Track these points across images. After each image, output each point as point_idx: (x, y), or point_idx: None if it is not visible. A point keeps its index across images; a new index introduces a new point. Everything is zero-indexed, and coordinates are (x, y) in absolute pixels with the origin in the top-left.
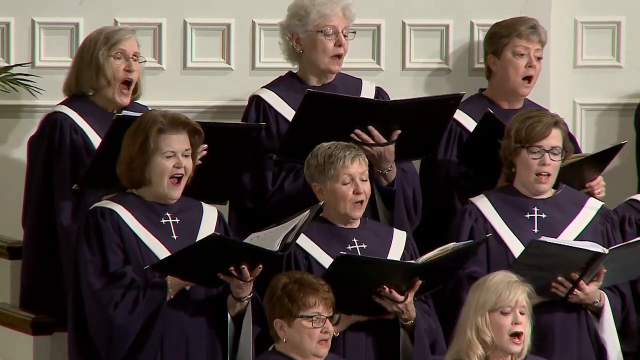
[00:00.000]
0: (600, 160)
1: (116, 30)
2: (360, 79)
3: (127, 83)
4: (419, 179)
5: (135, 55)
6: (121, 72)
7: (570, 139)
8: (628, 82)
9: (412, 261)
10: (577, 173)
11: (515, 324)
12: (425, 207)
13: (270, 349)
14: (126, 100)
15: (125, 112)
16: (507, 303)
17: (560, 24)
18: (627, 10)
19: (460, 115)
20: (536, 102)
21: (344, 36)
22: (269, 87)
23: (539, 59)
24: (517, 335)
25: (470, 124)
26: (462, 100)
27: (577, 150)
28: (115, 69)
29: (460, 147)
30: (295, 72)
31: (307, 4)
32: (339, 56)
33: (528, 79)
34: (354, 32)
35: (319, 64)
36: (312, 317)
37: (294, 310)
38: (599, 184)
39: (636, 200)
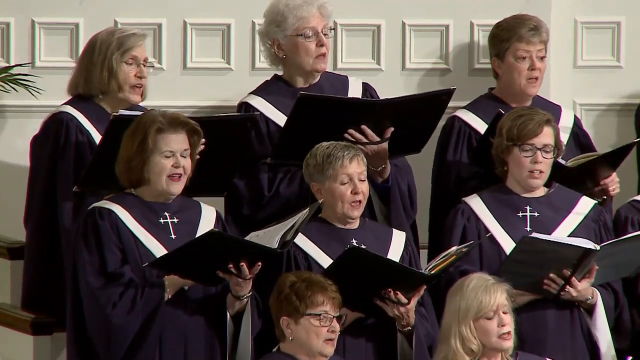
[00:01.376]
0: (612, 159)
1: (129, 35)
2: (347, 77)
3: (137, 87)
4: (431, 180)
5: (145, 61)
6: (132, 77)
7: (584, 136)
8: (628, 82)
9: (424, 271)
10: (590, 172)
11: (502, 325)
12: (436, 207)
13: (274, 349)
14: (138, 99)
15: (121, 112)
16: (489, 308)
17: (560, 24)
18: (627, 10)
19: (469, 117)
20: (545, 98)
21: (324, 35)
22: (256, 92)
23: (542, 58)
24: (505, 334)
25: (479, 124)
26: (471, 101)
27: (591, 147)
28: (127, 74)
29: (472, 148)
30: (280, 74)
31: (283, 9)
32: (323, 55)
33: (534, 79)
34: (333, 29)
35: (305, 66)
36: (319, 315)
37: (301, 308)
38: (612, 180)
39: (638, 201)
